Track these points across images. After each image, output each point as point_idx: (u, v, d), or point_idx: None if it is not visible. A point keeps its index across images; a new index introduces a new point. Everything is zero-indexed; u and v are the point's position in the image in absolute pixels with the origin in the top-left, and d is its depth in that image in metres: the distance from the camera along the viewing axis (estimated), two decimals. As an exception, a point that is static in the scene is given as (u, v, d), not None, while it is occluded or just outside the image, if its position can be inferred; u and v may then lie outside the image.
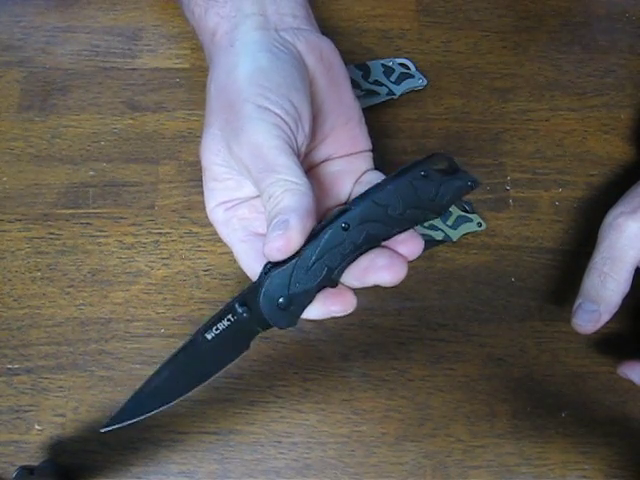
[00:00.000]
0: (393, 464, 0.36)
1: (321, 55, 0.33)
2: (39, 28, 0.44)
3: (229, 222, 0.33)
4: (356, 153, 0.35)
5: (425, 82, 0.43)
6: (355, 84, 0.42)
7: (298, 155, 0.30)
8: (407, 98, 0.43)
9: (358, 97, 0.41)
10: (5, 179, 0.41)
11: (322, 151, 0.34)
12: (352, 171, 0.34)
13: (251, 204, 0.33)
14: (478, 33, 0.46)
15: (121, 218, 0.40)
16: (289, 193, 0.28)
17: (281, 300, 0.28)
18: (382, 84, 0.42)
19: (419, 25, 0.46)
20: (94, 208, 0.40)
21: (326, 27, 0.45)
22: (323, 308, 0.30)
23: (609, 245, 0.35)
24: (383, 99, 0.42)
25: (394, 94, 0.42)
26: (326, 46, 0.34)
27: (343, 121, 0.34)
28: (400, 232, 0.30)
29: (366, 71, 0.42)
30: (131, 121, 0.42)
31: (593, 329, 0.35)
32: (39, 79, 0.43)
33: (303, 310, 0.29)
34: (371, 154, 0.35)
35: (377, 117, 0.43)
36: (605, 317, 0.35)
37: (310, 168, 0.34)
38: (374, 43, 0.45)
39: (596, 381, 0.38)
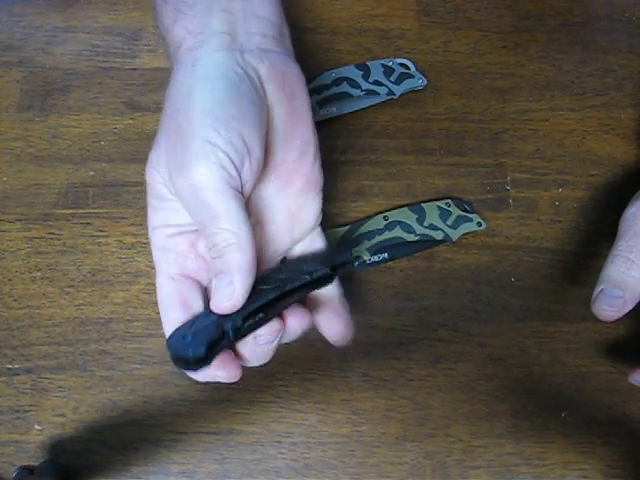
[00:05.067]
0: (393, 464, 0.36)
1: (283, 82, 0.31)
2: (39, 28, 0.44)
3: (166, 253, 0.31)
4: (306, 194, 0.33)
5: (425, 82, 0.43)
6: (355, 84, 0.42)
7: (242, 193, 0.29)
8: (407, 98, 0.43)
9: (358, 97, 0.42)
10: (5, 179, 0.41)
11: (269, 186, 0.33)
12: (297, 223, 0.34)
13: (191, 241, 0.31)
14: (478, 33, 0.46)
15: (121, 218, 0.40)
16: (232, 248, 0.28)
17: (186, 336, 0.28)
18: (382, 84, 0.42)
19: (419, 25, 0.46)
20: (94, 208, 0.40)
21: (326, 27, 0.45)
22: (210, 372, 0.29)
23: (635, 234, 0.35)
24: (383, 99, 0.42)
25: (394, 94, 0.42)
26: (291, 72, 0.32)
27: (295, 156, 0.32)
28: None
29: (366, 71, 0.42)
30: (131, 121, 0.42)
31: (617, 316, 0.34)
32: (39, 79, 0.43)
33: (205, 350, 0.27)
34: (321, 195, 0.34)
35: (377, 117, 0.43)
36: (629, 305, 0.34)
37: (255, 205, 0.33)
38: (374, 43, 0.45)
39: (596, 381, 0.38)
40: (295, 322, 0.30)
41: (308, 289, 0.30)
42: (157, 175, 0.30)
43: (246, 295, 0.28)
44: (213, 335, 0.27)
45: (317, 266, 0.30)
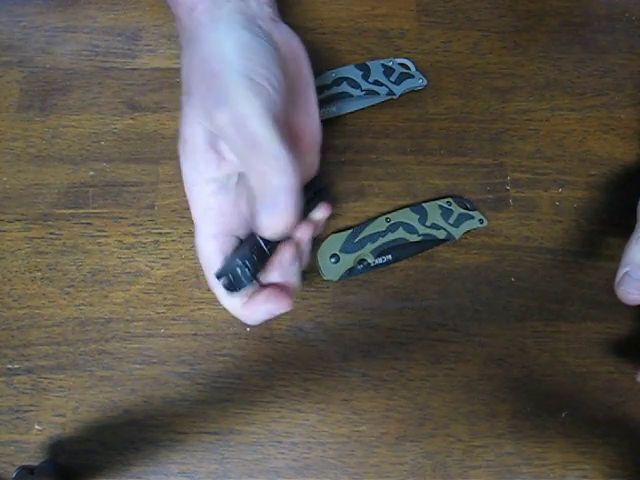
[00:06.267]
0: (393, 464, 0.36)
1: (291, 48, 0.34)
2: (39, 28, 0.44)
3: (207, 212, 0.32)
4: (312, 150, 0.35)
5: (425, 82, 0.43)
6: (355, 84, 0.42)
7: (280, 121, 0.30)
8: (407, 98, 0.43)
9: (358, 97, 0.42)
10: (5, 179, 0.41)
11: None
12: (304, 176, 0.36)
13: (233, 199, 0.32)
14: (478, 33, 0.46)
15: (121, 218, 0.40)
16: (277, 171, 0.29)
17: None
18: (382, 84, 0.42)
19: (419, 25, 0.46)
20: (94, 208, 0.40)
21: (326, 27, 0.45)
22: (266, 307, 0.32)
23: None
24: (383, 99, 0.42)
25: (394, 94, 0.42)
26: (296, 40, 0.34)
27: (303, 114, 0.34)
28: None
29: (366, 71, 0.42)
30: (131, 121, 0.42)
31: None
32: (39, 79, 0.43)
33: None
34: (320, 153, 0.36)
35: (377, 117, 0.43)
36: None
37: None
38: (374, 43, 0.45)
39: (596, 381, 0.38)
40: (303, 233, 0.34)
41: (305, 211, 0.34)
42: (197, 126, 0.31)
43: (296, 214, 0.30)
44: (253, 248, 0.31)
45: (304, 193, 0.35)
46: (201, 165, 0.32)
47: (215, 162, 0.31)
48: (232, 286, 0.31)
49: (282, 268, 0.33)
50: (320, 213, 0.36)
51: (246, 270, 0.31)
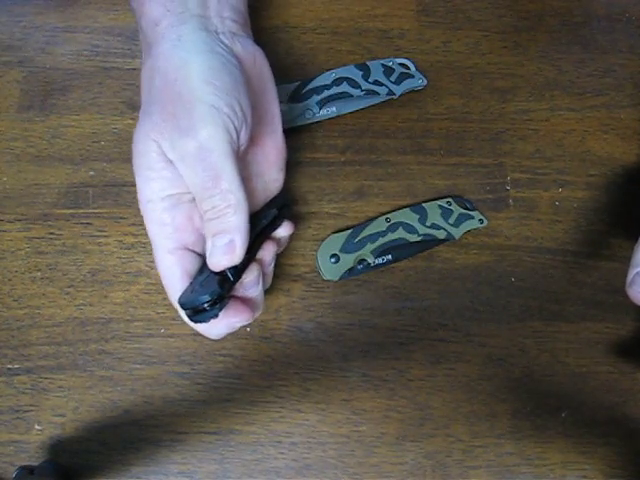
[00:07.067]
0: (393, 464, 0.36)
1: (254, 62, 0.34)
2: (39, 28, 0.44)
3: (163, 228, 0.32)
4: (277, 166, 0.36)
5: (425, 82, 0.43)
6: (355, 84, 0.42)
7: (238, 155, 0.31)
8: (407, 98, 0.43)
9: (358, 97, 0.42)
10: (5, 179, 0.41)
11: (252, 156, 0.35)
12: (268, 192, 0.36)
13: (189, 214, 0.32)
14: (478, 33, 0.46)
15: (121, 218, 0.40)
16: (232, 210, 0.30)
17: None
18: (382, 84, 0.42)
19: (419, 25, 0.46)
20: (94, 208, 0.40)
21: (326, 27, 0.45)
22: (227, 322, 0.31)
23: None
24: (383, 99, 0.42)
25: (394, 94, 0.42)
26: (259, 54, 0.35)
27: (269, 129, 0.35)
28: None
29: (366, 71, 0.42)
30: (131, 121, 0.42)
31: None
32: (39, 79, 0.43)
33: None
34: (285, 170, 0.36)
35: (377, 117, 0.43)
36: None
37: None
38: (374, 43, 0.45)
39: (596, 381, 0.38)
40: (266, 254, 0.34)
41: (269, 230, 0.35)
42: (152, 144, 0.31)
43: (244, 251, 0.31)
44: (219, 279, 0.30)
45: (268, 211, 0.35)
46: (156, 182, 0.32)
47: (170, 180, 0.31)
48: (197, 319, 0.31)
49: (245, 288, 0.33)
50: (284, 231, 0.36)
51: (213, 308, 0.30)
